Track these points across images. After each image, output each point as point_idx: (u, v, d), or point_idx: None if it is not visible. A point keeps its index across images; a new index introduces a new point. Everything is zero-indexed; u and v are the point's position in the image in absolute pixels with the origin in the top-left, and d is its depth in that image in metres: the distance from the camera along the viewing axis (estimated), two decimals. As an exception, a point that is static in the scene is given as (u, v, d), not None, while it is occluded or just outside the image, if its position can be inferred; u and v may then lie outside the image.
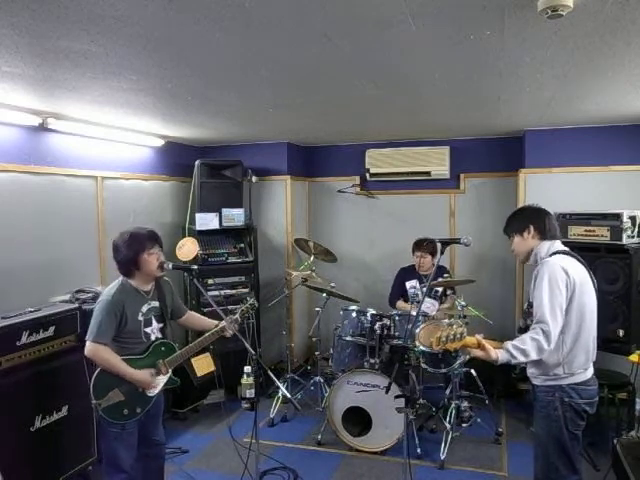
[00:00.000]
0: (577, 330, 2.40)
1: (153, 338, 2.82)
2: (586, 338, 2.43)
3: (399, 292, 4.73)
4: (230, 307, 3.12)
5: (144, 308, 2.77)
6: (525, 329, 2.50)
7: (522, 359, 2.32)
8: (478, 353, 2.37)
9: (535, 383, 2.52)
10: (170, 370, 2.85)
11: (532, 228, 2.53)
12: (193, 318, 3.17)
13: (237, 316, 2.97)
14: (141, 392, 2.74)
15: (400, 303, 4.66)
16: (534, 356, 2.31)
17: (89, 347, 2.62)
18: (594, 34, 2.09)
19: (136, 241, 2.72)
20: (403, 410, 2.71)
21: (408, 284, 4.67)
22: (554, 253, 2.47)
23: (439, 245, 2.74)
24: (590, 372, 2.48)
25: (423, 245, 4.50)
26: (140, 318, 2.75)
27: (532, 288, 2.47)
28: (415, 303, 4.30)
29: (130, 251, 2.70)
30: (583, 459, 3.59)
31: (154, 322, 2.83)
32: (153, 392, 2.79)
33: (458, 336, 2.31)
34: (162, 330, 2.90)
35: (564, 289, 2.34)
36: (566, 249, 2.53)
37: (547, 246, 2.51)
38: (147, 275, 2.77)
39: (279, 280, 5.32)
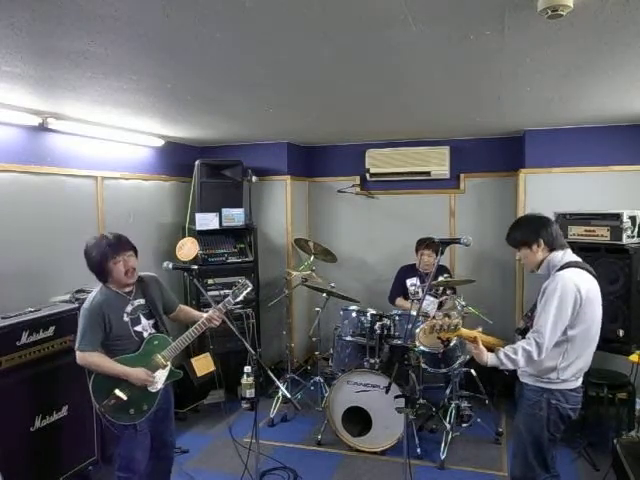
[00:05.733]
0: (581, 343, 2.44)
1: (146, 335, 2.79)
2: (588, 350, 2.49)
3: (399, 290, 4.75)
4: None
5: (128, 308, 2.75)
6: (524, 331, 2.54)
7: (510, 367, 2.41)
8: (471, 349, 2.46)
9: (525, 381, 2.56)
10: (169, 363, 2.81)
11: (542, 242, 2.52)
12: (184, 312, 3.11)
13: (228, 298, 2.87)
14: (143, 389, 2.73)
15: (400, 300, 4.68)
16: (522, 366, 2.41)
17: (78, 355, 2.65)
18: (594, 34, 2.09)
19: (98, 251, 2.67)
20: (403, 410, 2.72)
21: (409, 282, 4.70)
22: (567, 264, 2.47)
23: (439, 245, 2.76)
24: (580, 380, 2.52)
25: (429, 244, 4.49)
26: (126, 319, 2.73)
27: (540, 298, 2.48)
28: (415, 301, 4.31)
29: (93, 262, 2.68)
30: (584, 459, 3.62)
31: (143, 319, 2.81)
32: (155, 387, 2.77)
33: (452, 327, 2.41)
34: (155, 326, 2.86)
35: (571, 307, 2.38)
36: (578, 260, 2.53)
37: (560, 256, 2.51)
38: (118, 282, 2.74)
39: (279, 280, 5.32)
